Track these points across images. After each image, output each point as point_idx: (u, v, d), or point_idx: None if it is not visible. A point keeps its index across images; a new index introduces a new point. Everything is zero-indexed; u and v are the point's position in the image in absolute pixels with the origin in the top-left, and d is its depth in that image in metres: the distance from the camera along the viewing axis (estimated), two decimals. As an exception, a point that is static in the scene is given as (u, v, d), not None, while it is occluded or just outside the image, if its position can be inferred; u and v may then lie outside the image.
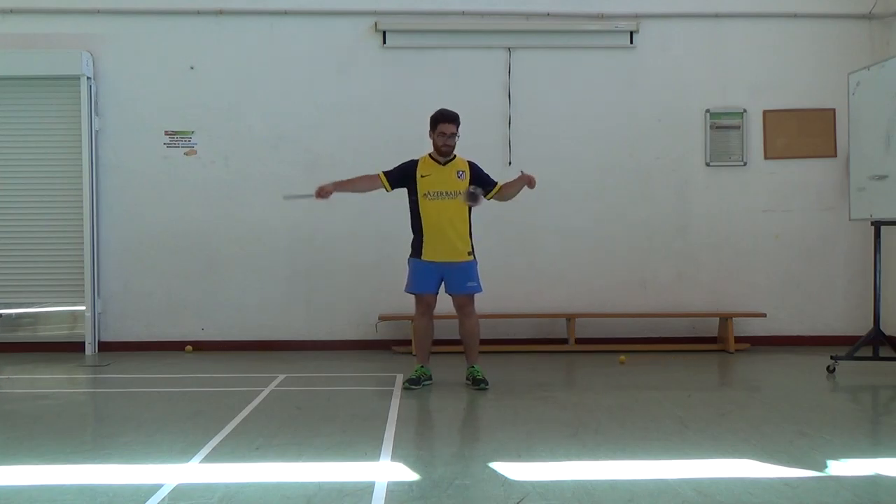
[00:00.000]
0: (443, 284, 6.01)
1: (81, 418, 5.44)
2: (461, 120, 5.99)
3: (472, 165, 6.03)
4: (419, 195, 5.92)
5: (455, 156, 6.00)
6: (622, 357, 7.22)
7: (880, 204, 6.33)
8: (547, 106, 8.03)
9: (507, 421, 4.98)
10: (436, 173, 5.91)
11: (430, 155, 6.00)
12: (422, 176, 5.92)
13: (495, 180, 6.08)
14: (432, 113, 5.99)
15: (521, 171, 5.95)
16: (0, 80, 7.83)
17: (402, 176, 5.98)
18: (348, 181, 6.10)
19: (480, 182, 5.98)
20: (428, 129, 6.00)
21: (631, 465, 3.99)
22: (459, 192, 5.88)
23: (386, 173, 6.02)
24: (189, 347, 7.81)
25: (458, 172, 5.94)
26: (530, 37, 8.05)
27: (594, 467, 3.95)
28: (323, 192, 5.96)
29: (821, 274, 8.11)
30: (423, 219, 5.93)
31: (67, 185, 7.89)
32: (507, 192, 6.06)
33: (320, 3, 8.00)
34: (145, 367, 7.02)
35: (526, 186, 5.94)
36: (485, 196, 5.98)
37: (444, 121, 5.89)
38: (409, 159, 6.05)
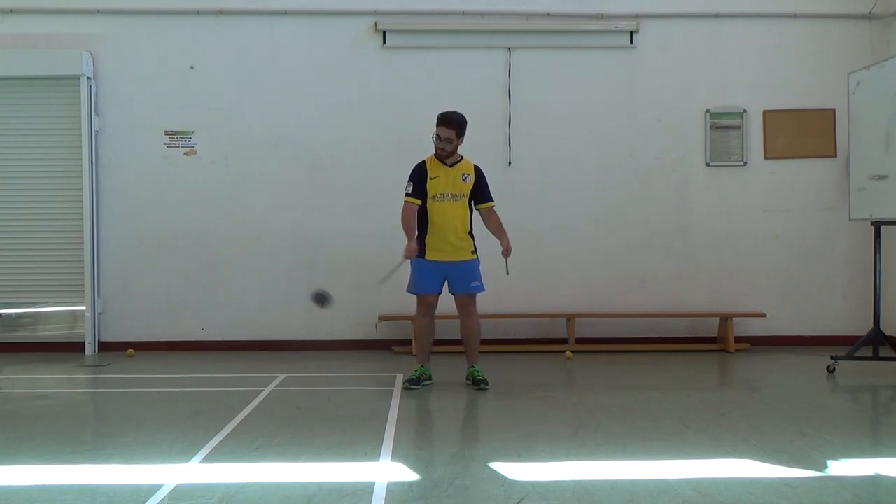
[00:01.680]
0: (445, 284, 6.00)
1: (81, 418, 5.44)
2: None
3: (478, 171, 6.01)
4: (428, 197, 5.90)
5: (462, 157, 5.99)
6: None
7: (880, 204, 6.33)
8: (547, 106, 8.03)
9: (507, 421, 4.98)
10: (443, 175, 5.90)
11: (434, 155, 5.99)
12: (431, 178, 5.90)
13: (492, 199, 6.06)
14: (437, 112, 5.94)
15: (507, 252, 5.98)
16: (0, 80, 7.83)
17: (421, 185, 5.91)
18: (408, 227, 5.89)
19: (479, 190, 5.98)
20: (430, 127, 5.95)
21: (631, 465, 3.99)
22: (463, 195, 5.89)
23: (410, 195, 5.91)
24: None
25: (463, 175, 5.93)
26: (530, 37, 8.05)
27: (594, 467, 3.95)
28: (410, 252, 5.84)
29: (821, 274, 8.11)
30: (429, 219, 5.91)
31: (67, 185, 7.89)
32: (491, 224, 6.07)
33: (320, 3, 8.00)
34: (145, 367, 7.02)
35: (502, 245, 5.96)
36: (475, 207, 6.04)
37: (440, 123, 5.85)
38: (414, 166, 5.99)
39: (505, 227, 7.64)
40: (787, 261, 8.11)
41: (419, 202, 5.94)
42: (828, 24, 8.09)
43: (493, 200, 6.07)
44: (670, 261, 8.07)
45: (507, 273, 6.00)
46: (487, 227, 6.13)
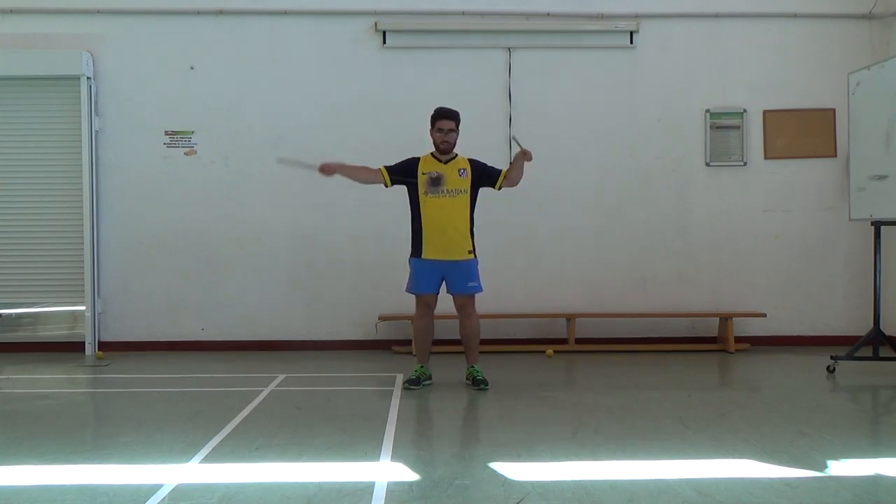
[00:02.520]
0: (444, 285, 6.00)
1: (81, 418, 5.44)
2: (461, 119, 5.99)
3: (473, 162, 6.02)
4: (420, 193, 5.91)
5: (456, 154, 6.00)
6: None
7: (880, 204, 6.33)
8: (547, 106, 8.03)
9: (507, 421, 4.98)
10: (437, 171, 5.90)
11: (431, 154, 6.00)
12: (423, 174, 5.91)
13: (499, 168, 6.08)
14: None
15: (518, 152, 5.92)
16: (0, 80, 7.83)
17: (404, 171, 5.95)
18: (352, 167, 6.11)
19: (485, 174, 5.99)
20: (428, 127, 6.00)
21: (631, 465, 3.99)
22: (460, 191, 5.88)
23: (388, 168, 6.01)
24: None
25: (459, 171, 5.93)
26: (530, 37, 8.05)
27: (594, 467, 3.95)
28: (327, 170, 5.98)
29: (821, 274, 8.11)
30: (423, 217, 5.92)
31: (67, 185, 7.89)
32: (512, 175, 6.02)
33: (320, 3, 8.00)
34: (145, 367, 7.02)
35: (526, 162, 5.91)
36: (493, 186, 6.00)
37: (441, 117, 5.89)
38: (411, 157, 6.04)
39: (505, 225, 7.74)
40: (787, 261, 8.11)
41: (386, 177, 5.98)
42: (828, 24, 8.09)
43: (501, 169, 6.06)
44: (670, 261, 8.07)
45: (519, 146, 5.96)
46: (513, 179, 6.04)
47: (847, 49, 7.98)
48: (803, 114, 8.09)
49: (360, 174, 6.09)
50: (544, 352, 7.58)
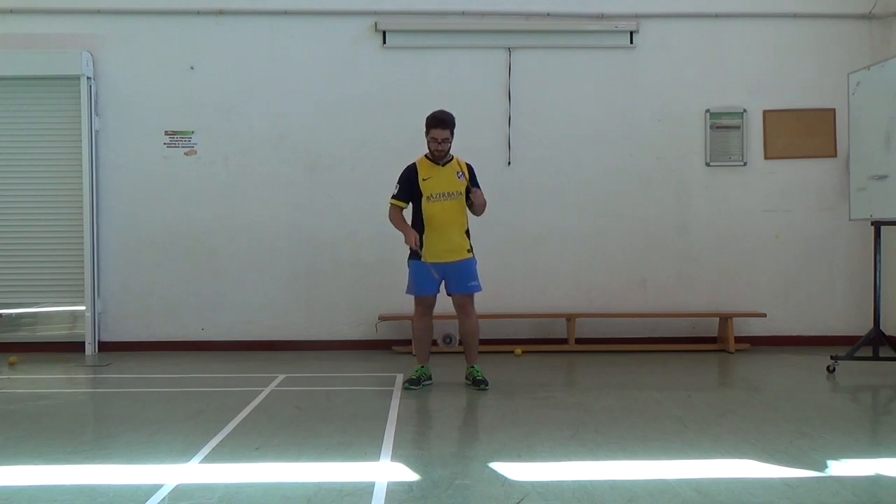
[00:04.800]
0: (443, 284, 6.00)
1: (81, 418, 5.44)
2: (460, 120, 5.97)
3: (470, 167, 6.00)
4: (423, 198, 5.90)
5: (452, 156, 5.98)
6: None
7: (880, 204, 6.33)
8: (547, 106, 8.02)
9: (507, 421, 4.98)
10: (436, 175, 5.89)
11: (426, 156, 5.98)
12: (423, 179, 5.89)
13: (479, 187, 5.97)
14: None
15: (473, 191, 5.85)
16: (0, 80, 7.83)
17: (409, 188, 5.93)
18: (397, 223, 5.99)
19: (472, 182, 5.95)
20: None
21: (631, 465, 3.99)
22: (460, 193, 5.88)
23: (396, 197, 5.98)
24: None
25: (457, 173, 5.92)
26: (530, 37, 8.05)
27: (594, 467, 3.95)
28: (412, 240, 5.85)
29: (821, 274, 8.11)
30: (425, 220, 5.91)
31: (67, 185, 7.89)
32: (474, 206, 5.94)
33: (320, 3, 8.00)
34: (145, 367, 7.02)
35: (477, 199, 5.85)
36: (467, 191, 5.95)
37: (436, 126, 5.82)
38: (404, 168, 6.00)
39: (505, 225, 7.75)
40: (787, 261, 8.11)
41: (405, 205, 5.99)
42: (828, 24, 8.09)
43: (480, 188, 5.96)
44: (670, 261, 8.07)
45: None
46: (474, 208, 5.95)
47: (847, 49, 7.98)
48: (803, 114, 8.09)
49: (400, 216, 6.01)
50: (548, 352, 7.60)
